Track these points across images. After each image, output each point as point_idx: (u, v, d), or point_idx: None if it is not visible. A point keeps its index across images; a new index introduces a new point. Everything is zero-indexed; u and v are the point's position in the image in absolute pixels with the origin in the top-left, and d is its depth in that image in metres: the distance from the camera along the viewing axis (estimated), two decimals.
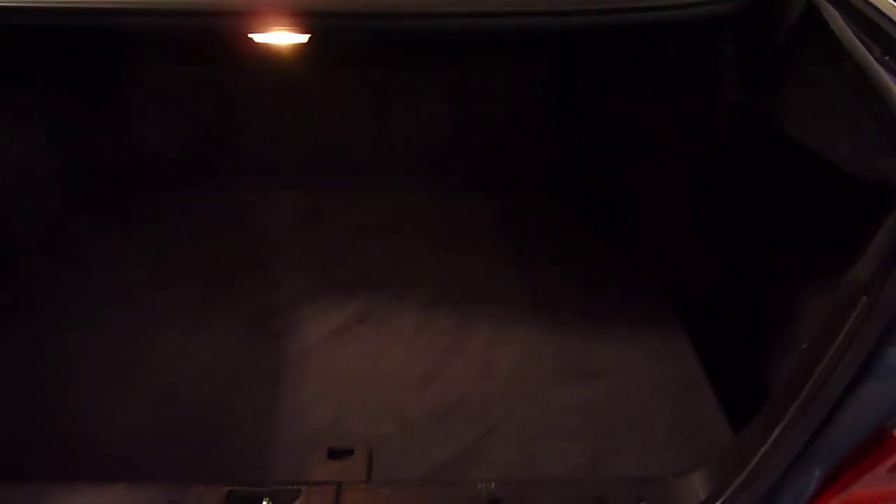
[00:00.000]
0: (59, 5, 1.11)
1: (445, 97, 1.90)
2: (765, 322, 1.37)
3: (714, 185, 1.49)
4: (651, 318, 1.57)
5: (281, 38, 1.16)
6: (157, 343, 1.49)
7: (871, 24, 1.02)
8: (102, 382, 1.40)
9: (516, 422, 1.36)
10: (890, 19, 0.99)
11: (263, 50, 1.39)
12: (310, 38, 1.19)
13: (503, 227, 1.87)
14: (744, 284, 1.45)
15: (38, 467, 1.23)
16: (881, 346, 0.87)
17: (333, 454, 1.21)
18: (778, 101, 1.28)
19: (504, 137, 1.94)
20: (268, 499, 0.97)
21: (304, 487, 1.00)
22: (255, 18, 1.10)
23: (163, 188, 1.95)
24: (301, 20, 1.12)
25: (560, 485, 1.04)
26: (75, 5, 1.10)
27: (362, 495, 1.00)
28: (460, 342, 1.52)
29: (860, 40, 1.08)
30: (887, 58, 1.03)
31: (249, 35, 1.15)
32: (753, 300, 1.42)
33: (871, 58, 1.05)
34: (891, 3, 1.01)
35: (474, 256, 1.77)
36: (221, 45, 1.52)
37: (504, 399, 1.40)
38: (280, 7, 1.09)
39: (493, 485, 1.02)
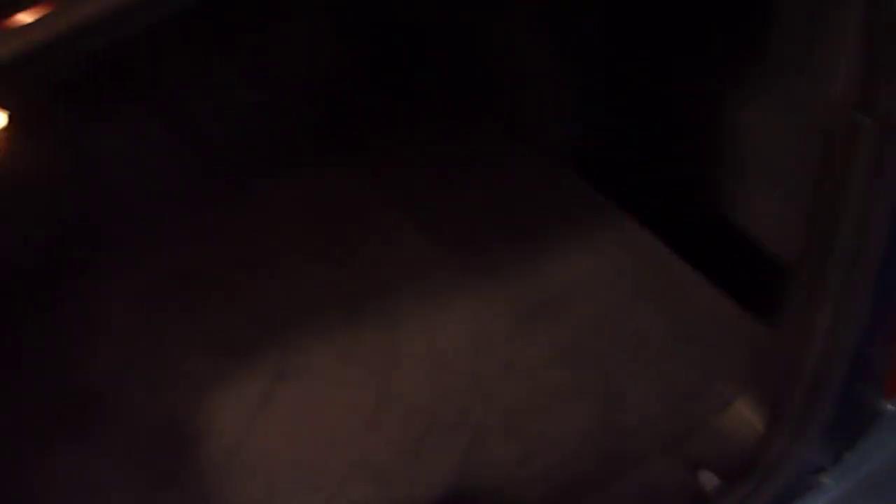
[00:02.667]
0: None
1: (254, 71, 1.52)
2: (709, 161, 1.14)
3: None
4: (587, 217, 1.33)
5: None
6: None
7: None
8: None
9: (501, 405, 1.13)
10: None
11: None
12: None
13: (377, 189, 1.54)
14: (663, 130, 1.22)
15: None
16: None
17: None
18: None
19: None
20: None
21: None
22: None
23: None
24: None
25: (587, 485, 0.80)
26: None
27: None
28: (398, 349, 1.24)
29: None
30: None
31: None
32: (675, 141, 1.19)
33: None
34: None
35: (367, 238, 1.45)
36: None
37: (474, 387, 1.16)
38: None
39: None
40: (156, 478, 1.16)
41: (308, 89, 1.61)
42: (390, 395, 1.18)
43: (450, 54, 1.60)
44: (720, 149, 1.12)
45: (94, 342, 1.39)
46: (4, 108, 0.84)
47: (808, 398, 0.72)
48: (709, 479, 0.78)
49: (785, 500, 0.75)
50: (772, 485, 0.74)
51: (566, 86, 1.34)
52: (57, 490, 1.18)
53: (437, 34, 1.58)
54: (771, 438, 0.76)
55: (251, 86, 1.57)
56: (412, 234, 1.42)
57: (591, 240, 1.29)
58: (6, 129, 0.92)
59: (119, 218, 1.53)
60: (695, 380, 1.08)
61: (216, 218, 1.54)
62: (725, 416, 0.81)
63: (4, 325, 1.44)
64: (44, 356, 1.39)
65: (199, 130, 1.57)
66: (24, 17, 0.71)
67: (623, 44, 1.22)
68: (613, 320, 1.20)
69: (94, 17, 0.69)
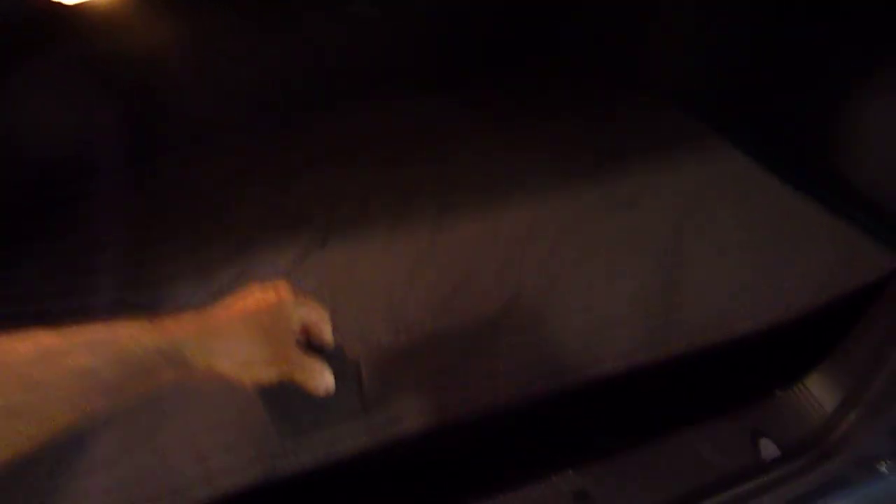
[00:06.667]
0: None
1: None
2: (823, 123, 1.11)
3: None
4: (674, 136, 1.34)
5: None
6: None
7: None
8: None
9: (545, 279, 1.10)
10: None
11: None
12: None
13: (471, 112, 1.57)
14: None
15: None
16: None
17: None
18: None
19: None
20: None
21: None
22: None
23: None
24: None
25: (650, 452, 0.82)
26: None
27: None
28: (448, 222, 1.25)
29: None
30: None
31: None
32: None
33: None
34: None
35: (447, 147, 1.47)
36: None
37: (518, 259, 1.15)
38: None
39: (570, 474, 0.81)
40: None
41: (419, 12, 1.61)
42: (430, 259, 1.19)
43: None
44: (838, 117, 1.09)
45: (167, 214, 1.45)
46: None
47: (886, 388, 0.73)
48: (768, 448, 0.80)
49: (840, 481, 0.77)
50: (830, 463, 0.76)
51: (684, 27, 1.33)
52: None
53: None
54: (838, 420, 0.77)
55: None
56: (490, 146, 1.43)
57: (680, 156, 1.30)
58: None
59: (221, 106, 1.58)
60: (760, 269, 1.07)
61: (309, 122, 1.61)
62: (794, 392, 0.82)
63: (85, 193, 1.48)
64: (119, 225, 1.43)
65: (311, 40, 1.59)
66: None
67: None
68: (681, 215, 1.19)
69: None
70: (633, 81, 1.51)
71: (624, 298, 1.05)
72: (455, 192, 1.32)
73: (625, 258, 1.12)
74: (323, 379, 0.67)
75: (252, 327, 0.63)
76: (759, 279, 1.04)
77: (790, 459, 0.78)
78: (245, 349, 0.62)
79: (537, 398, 0.89)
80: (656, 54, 1.44)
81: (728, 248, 1.11)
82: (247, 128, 1.59)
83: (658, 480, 0.78)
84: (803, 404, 0.81)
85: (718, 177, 1.26)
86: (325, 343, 0.71)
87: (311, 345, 0.72)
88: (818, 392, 0.81)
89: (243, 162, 1.54)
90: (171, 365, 0.58)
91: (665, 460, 0.80)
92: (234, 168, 1.53)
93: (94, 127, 1.48)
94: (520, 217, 1.24)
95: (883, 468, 0.79)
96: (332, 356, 0.71)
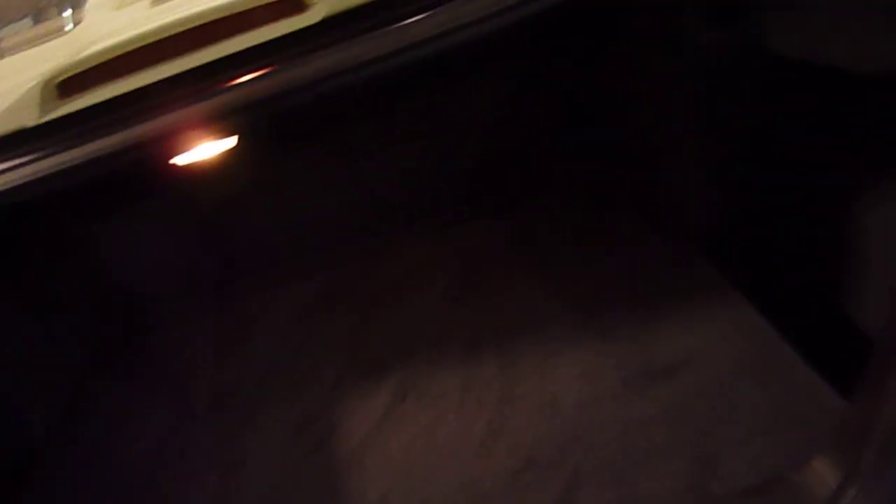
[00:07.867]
0: None
1: (421, 131, 1.81)
2: (827, 258, 1.21)
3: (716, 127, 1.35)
4: (705, 296, 1.42)
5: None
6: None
7: None
8: None
9: (599, 454, 1.22)
10: None
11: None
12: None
13: (515, 246, 1.74)
14: (786, 220, 1.30)
15: None
16: None
17: None
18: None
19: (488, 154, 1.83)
20: None
21: None
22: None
23: None
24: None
25: None
26: None
27: None
28: (511, 388, 1.38)
29: None
30: None
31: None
32: (803, 234, 1.27)
33: None
34: None
35: (497, 288, 1.64)
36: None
37: (577, 434, 1.26)
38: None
39: None
40: (290, 468, 1.37)
41: (465, 149, 1.87)
42: (499, 428, 1.32)
43: (601, 139, 1.80)
44: (848, 245, 1.18)
45: (247, 342, 1.70)
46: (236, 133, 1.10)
47: (879, 460, 0.79)
48: None
49: None
50: None
51: (705, 175, 1.45)
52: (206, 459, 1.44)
53: (592, 118, 1.80)
54: (841, 493, 0.81)
55: (414, 141, 1.85)
56: (536, 290, 1.59)
57: (703, 317, 1.38)
58: (234, 148, 1.20)
59: (291, 240, 1.84)
60: (785, 455, 1.13)
61: (366, 253, 1.83)
62: (802, 472, 0.87)
63: (175, 318, 1.77)
64: (204, 351, 1.70)
65: (365, 175, 1.86)
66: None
67: (765, 139, 1.31)
68: (714, 391, 1.26)
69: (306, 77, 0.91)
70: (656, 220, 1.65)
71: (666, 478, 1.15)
72: (512, 351, 1.46)
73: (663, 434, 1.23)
74: None
75: None
76: None
77: None
78: None
79: None
80: (681, 199, 1.58)
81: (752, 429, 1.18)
82: (313, 264, 1.83)
83: None
84: (811, 482, 0.87)
85: (740, 344, 1.32)
86: None
87: None
88: (824, 470, 0.86)
89: (312, 296, 1.77)
90: None
91: None
92: (307, 302, 1.77)
93: (185, 260, 1.78)
94: (570, 385, 1.36)
95: None
96: None
